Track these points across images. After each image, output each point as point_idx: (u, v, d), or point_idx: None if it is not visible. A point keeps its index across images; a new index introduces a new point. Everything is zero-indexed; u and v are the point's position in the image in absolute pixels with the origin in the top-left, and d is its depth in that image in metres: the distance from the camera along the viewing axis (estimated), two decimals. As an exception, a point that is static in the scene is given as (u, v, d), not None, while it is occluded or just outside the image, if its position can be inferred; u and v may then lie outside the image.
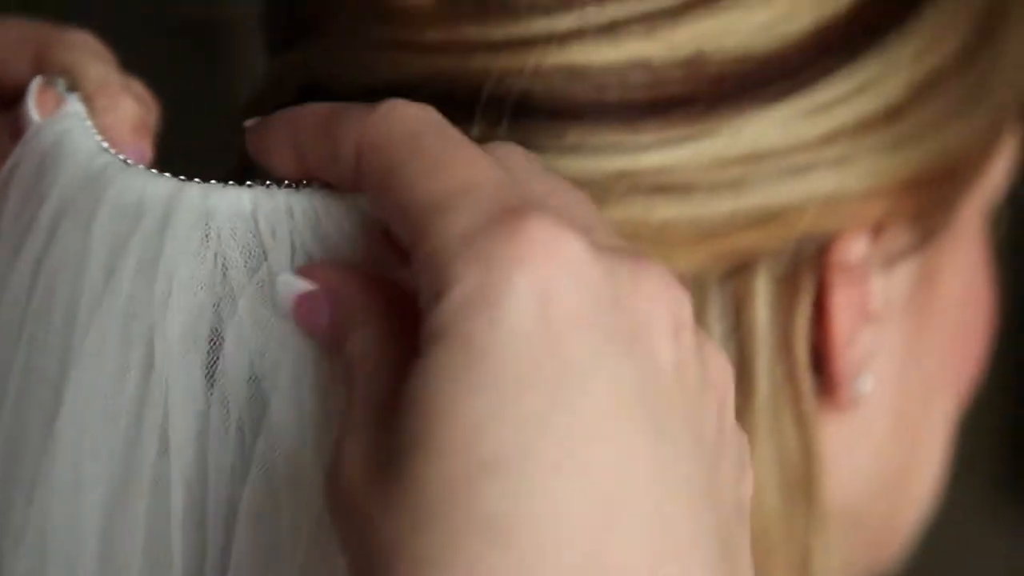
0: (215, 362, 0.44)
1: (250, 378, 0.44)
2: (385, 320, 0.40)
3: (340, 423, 0.39)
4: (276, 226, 0.44)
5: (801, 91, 0.50)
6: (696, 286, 0.50)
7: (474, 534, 0.34)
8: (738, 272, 0.50)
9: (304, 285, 0.42)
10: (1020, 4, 0.56)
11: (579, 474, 0.35)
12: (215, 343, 0.44)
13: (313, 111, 0.42)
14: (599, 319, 0.36)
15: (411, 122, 0.40)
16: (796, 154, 0.50)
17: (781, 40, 0.49)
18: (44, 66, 0.46)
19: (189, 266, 0.44)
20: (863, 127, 0.51)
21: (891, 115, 0.51)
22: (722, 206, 0.49)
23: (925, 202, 0.53)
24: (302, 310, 0.42)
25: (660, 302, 0.37)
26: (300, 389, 0.43)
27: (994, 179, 0.58)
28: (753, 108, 0.49)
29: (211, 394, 0.44)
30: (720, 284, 0.51)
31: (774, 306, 0.51)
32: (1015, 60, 0.56)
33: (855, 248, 0.52)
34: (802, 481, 0.52)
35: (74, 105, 0.46)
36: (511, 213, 0.36)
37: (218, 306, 0.44)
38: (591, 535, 0.34)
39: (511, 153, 0.43)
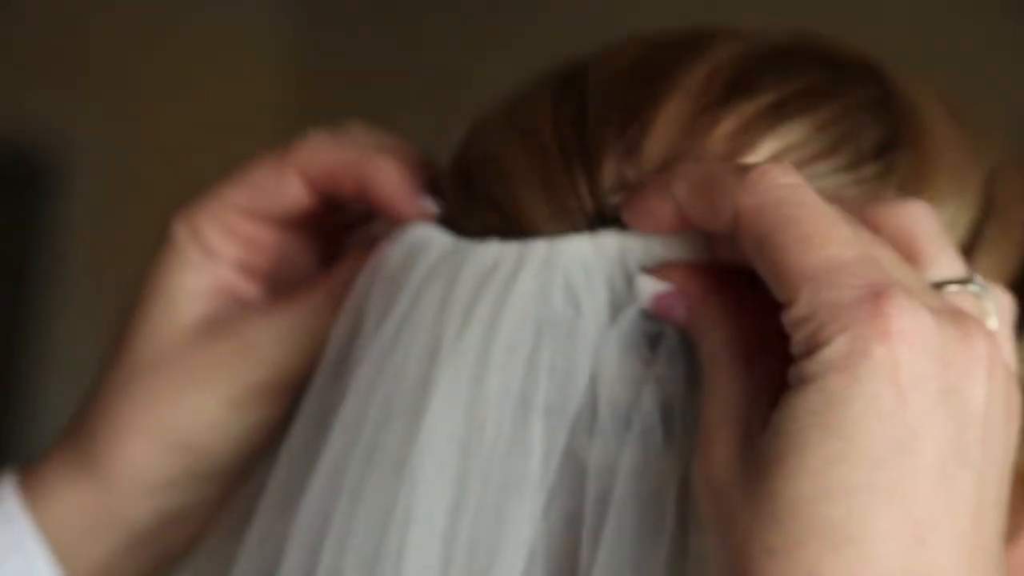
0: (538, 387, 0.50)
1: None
2: (734, 322, 0.49)
3: (705, 420, 0.48)
4: (615, 265, 0.50)
5: None
6: None
7: (815, 538, 0.44)
8: None
9: (659, 284, 0.50)
10: None
11: (900, 502, 0.44)
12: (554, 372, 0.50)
13: (688, 171, 0.49)
14: (933, 381, 0.45)
15: (781, 191, 0.47)
16: None
17: None
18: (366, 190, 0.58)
19: (532, 302, 0.50)
20: None
21: None
22: None
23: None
24: (660, 306, 0.50)
25: (980, 351, 0.46)
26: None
27: None
28: None
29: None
30: None
31: None
32: None
33: None
34: None
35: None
36: (874, 295, 0.45)
37: (556, 335, 0.50)
38: (906, 549, 0.44)
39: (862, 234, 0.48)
